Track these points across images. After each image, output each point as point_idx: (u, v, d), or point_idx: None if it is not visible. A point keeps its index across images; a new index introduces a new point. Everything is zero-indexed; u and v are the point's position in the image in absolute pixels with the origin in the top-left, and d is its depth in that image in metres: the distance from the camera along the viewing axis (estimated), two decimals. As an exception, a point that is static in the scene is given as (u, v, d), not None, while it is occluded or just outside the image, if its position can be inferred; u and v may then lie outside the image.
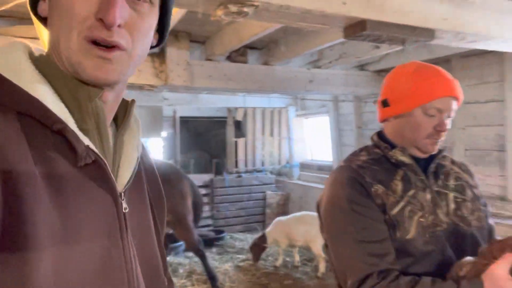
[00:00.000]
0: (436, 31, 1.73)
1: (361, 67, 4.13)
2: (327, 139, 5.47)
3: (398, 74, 1.15)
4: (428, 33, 1.73)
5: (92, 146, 0.55)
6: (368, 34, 1.60)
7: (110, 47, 0.54)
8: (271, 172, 6.32)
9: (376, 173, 1.10)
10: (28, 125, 0.51)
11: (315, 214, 4.49)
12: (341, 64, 3.72)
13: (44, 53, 0.59)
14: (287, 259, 4.51)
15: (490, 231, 1.16)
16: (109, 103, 0.61)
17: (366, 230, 1.03)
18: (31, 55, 0.57)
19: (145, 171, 0.73)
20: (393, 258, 1.01)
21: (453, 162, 1.22)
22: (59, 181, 0.52)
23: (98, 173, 0.56)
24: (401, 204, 1.07)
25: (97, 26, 0.53)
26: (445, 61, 3.49)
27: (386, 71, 4.00)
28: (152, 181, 0.76)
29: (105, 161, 0.57)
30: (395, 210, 1.06)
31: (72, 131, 0.53)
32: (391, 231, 1.04)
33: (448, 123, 1.09)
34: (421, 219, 1.07)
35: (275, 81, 3.58)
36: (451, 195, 1.13)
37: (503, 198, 3.43)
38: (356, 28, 1.59)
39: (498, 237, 1.12)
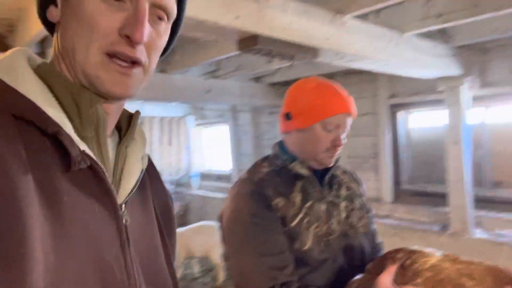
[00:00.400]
0: (320, 50, 1.90)
1: (257, 79, 4.31)
2: (226, 149, 5.56)
3: (300, 89, 1.19)
4: (313, 51, 1.90)
5: (88, 151, 0.52)
6: (260, 49, 1.68)
7: (130, 62, 0.55)
8: (170, 183, 6.16)
9: (277, 186, 1.12)
10: (24, 129, 0.48)
11: (212, 223, 4.47)
12: (237, 75, 3.83)
13: (47, 61, 0.58)
14: (186, 271, 4.43)
15: (373, 235, 1.26)
16: (112, 114, 0.60)
17: (267, 244, 1.05)
18: (31, 61, 0.55)
19: (151, 184, 0.70)
20: (292, 270, 1.04)
21: (344, 172, 1.29)
22: (53, 188, 0.49)
23: (95, 180, 0.54)
24: (300, 216, 1.10)
25: (121, 42, 0.53)
26: (329, 77, 3.84)
27: (280, 84, 4.25)
28: (159, 195, 0.72)
29: (103, 168, 0.54)
30: (294, 222, 1.09)
31: (67, 135, 0.50)
32: (290, 242, 1.07)
33: (344, 138, 1.16)
34: (317, 229, 1.11)
35: (172, 89, 3.52)
36: (343, 204, 1.20)
37: (378, 199, 3.90)
38: (249, 42, 1.66)
39: (379, 240, 1.27)
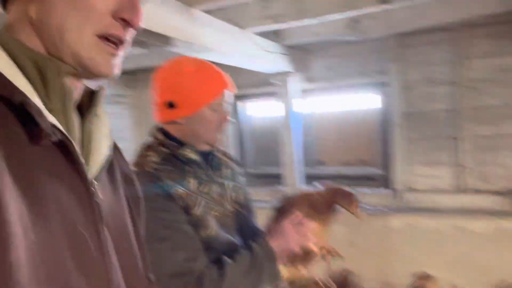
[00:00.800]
0: (171, 39, 1.95)
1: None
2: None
3: (179, 75, 1.15)
4: (164, 39, 1.93)
5: (58, 124, 0.50)
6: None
7: (119, 44, 0.55)
8: None
9: (171, 174, 1.09)
10: None
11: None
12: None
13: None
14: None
15: (253, 210, 1.35)
16: (77, 89, 0.58)
17: (178, 237, 1.03)
18: None
19: (120, 168, 0.67)
20: (204, 258, 1.05)
21: (224, 153, 1.32)
22: (24, 163, 0.46)
23: (65, 156, 0.52)
24: (199, 201, 1.10)
25: (115, 24, 0.53)
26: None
27: (132, 71, 4.06)
28: (126, 175, 0.68)
29: (73, 143, 0.52)
30: (196, 208, 1.09)
31: (35, 105, 0.47)
32: (195, 230, 1.07)
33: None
34: (215, 213, 1.14)
35: None
36: (229, 184, 1.24)
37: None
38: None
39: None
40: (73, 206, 0.53)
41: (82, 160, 0.54)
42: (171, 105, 1.14)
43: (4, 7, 0.56)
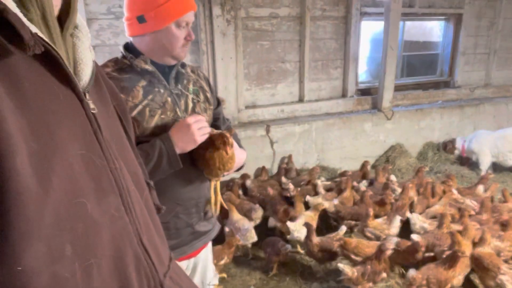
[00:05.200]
0: None
1: None
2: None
3: None
4: None
5: (40, 34, 0.47)
6: None
7: None
8: None
9: (119, 82, 1.20)
10: None
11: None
12: None
13: None
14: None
15: (218, 124, 1.49)
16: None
17: None
18: None
19: (103, 80, 0.65)
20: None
21: (192, 70, 1.45)
22: (13, 76, 0.44)
23: (53, 67, 0.49)
24: (140, 107, 1.23)
25: None
26: None
27: None
28: (113, 90, 0.68)
29: (58, 53, 0.49)
30: (134, 112, 1.21)
31: (15, 14, 0.44)
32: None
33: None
34: (162, 116, 1.27)
35: None
36: (190, 96, 1.37)
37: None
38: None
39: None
40: (70, 118, 0.52)
41: (71, 72, 0.53)
42: (141, 20, 1.22)
43: None
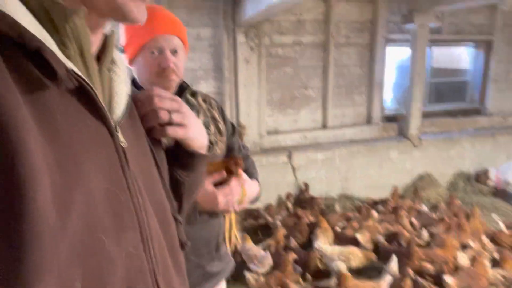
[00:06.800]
0: None
1: None
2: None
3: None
4: None
5: (76, 69, 0.49)
6: None
7: None
8: None
9: None
10: (5, 48, 0.43)
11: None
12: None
13: None
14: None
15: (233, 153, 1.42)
16: (96, 31, 0.57)
17: None
18: None
19: (138, 112, 0.66)
20: None
21: (204, 99, 1.37)
22: (45, 109, 0.46)
23: (86, 101, 0.51)
24: None
25: None
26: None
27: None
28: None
29: (93, 87, 0.51)
30: None
31: (51, 51, 0.46)
32: None
33: (177, 59, 1.20)
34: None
35: None
36: None
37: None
38: None
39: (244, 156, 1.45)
40: (98, 151, 0.52)
41: (104, 106, 0.54)
42: (122, 51, 1.23)
43: None
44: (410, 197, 4.17)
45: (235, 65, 4.09)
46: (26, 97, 0.44)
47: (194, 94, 1.33)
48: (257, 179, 1.42)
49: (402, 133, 5.03)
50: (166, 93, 0.74)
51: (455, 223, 3.43)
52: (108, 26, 0.61)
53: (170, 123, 0.73)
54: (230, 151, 1.43)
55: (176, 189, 0.79)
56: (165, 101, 0.72)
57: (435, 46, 5.37)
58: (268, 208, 3.99)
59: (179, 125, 0.73)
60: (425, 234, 3.36)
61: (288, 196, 4.21)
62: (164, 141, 0.76)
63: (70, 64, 0.49)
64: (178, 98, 0.76)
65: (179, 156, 0.79)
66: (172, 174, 0.78)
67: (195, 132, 0.76)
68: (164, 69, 1.18)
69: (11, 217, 0.40)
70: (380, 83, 4.92)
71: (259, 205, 3.99)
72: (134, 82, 1.27)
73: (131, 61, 1.24)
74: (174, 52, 1.20)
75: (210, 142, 1.34)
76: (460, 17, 5.20)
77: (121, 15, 0.55)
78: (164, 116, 0.71)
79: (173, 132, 0.73)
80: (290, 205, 4.12)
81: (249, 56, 4.08)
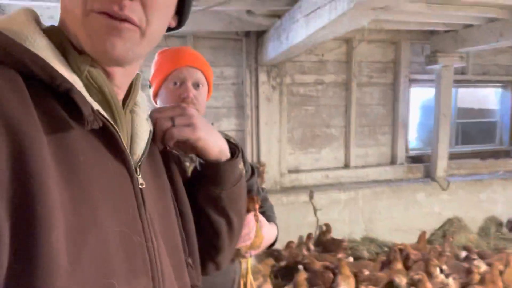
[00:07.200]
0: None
1: None
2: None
3: (154, 61, 1.30)
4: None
5: (102, 111, 0.51)
6: None
7: (120, 20, 0.49)
8: None
9: None
10: (33, 87, 0.45)
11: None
12: None
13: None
14: None
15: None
16: (118, 79, 0.57)
17: None
18: (38, 22, 0.52)
19: (159, 149, 0.66)
20: None
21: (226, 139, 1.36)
22: (69, 148, 0.47)
23: (109, 143, 0.52)
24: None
25: None
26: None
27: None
28: (167, 157, 0.69)
29: (117, 129, 0.52)
30: None
31: (80, 93, 0.48)
32: None
33: (198, 92, 1.22)
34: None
35: None
36: None
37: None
38: None
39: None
40: (117, 192, 0.52)
41: (126, 149, 0.55)
42: (150, 86, 1.29)
43: None
44: (439, 243, 3.94)
45: (257, 103, 4.13)
46: (50, 136, 0.45)
47: None
48: (275, 223, 1.36)
49: (429, 175, 4.86)
50: (168, 106, 0.71)
51: (488, 273, 3.20)
52: (133, 74, 0.61)
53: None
54: (248, 192, 1.39)
55: (216, 205, 0.73)
56: (165, 111, 0.68)
57: (461, 87, 5.29)
58: (288, 248, 3.85)
59: (186, 126, 0.67)
60: (454, 283, 3.14)
61: (309, 236, 4.06)
62: (191, 164, 0.72)
63: (96, 105, 0.50)
64: (183, 104, 0.73)
65: (205, 172, 0.73)
66: (207, 194, 0.73)
67: (208, 134, 0.69)
68: (184, 99, 1.19)
69: (24, 259, 0.40)
70: (404, 123, 4.83)
71: (279, 245, 3.86)
72: None
73: (155, 96, 1.27)
74: (196, 85, 1.22)
75: None
76: (485, 58, 5.13)
77: (86, 47, 0.51)
78: (166, 122, 0.66)
79: (180, 132, 0.66)
80: (311, 246, 3.96)
81: (270, 94, 4.12)
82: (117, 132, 0.53)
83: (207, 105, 1.33)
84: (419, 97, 5.50)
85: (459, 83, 5.10)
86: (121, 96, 0.60)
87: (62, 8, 0.53)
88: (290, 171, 4.48)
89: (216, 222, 0.75)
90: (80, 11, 0.49)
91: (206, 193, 0.73)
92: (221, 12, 3.36)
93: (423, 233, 4.07)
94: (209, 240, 0.76)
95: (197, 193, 0.74)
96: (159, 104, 1.27)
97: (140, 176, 0.57)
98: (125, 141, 0.56)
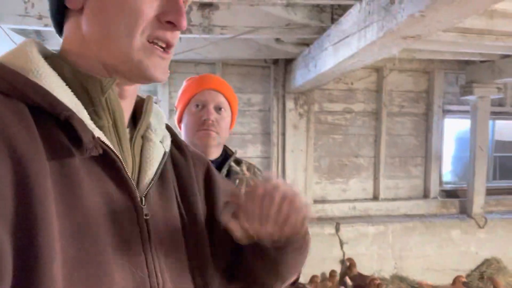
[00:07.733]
0: None
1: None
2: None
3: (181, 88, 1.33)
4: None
5: (103, 138, 0.51)
6: None
7: (166, 47, 0.56)
8: None
9: None
10: (39, 116, 0.47)
11: None
12: None
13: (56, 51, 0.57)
14: None
15: None
16: (128, 98, 0.59)
17: None
18: (42, 51, 0.54)
19: (175, 169, 0.65)
20: None
21: (248, 168, 1.32)
22: (71, 178, 0.47)
23: (112, 170, 0.52)
24: None
25: (161, 27, 0.54)
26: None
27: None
28: (180, 176, 0.65)
29: (119, 156, 0.52)
30: None
31: (80, 120, 0.49)
32: None
33: (220, 116, 1.21)
34: None
35: None
36: None
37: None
38: None
39: None
40: (118, 223, 0.51)
41: (129, 177, 0.54)
42: (174, 112, 1.32)
43: (60, 31, 0.61)
44: (475, 285, 3.64)
45: (284, 130, 4.08)
46: (53, 164, 0.46)
47: (238, 162, 1.31)
48: None
49: (465, 211, 4.57)
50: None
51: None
52: (134, 92, 0.61)
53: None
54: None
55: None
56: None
57: (499, 119, 5.04)
58: (313, 284, 3.66)
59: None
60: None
61: (332, 274, 3.82)
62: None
63: (97, 132, 0.50)
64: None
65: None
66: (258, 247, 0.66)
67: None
68: (204, 122, 1.18)
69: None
70: (438, 154, 4.62)
71: (302, 279, 3.69)
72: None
73: (179, 121, 1.28)
74: (218, 109, 1.21)
75: None
76: (525, 90, 4.90)
77: (138, 74, 0.55)
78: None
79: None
80: (349, 281, 3.73)
81: (297, 122, 4.06)
82: (119, 159, 0.52)
83: (233, 131, 1.33)
84: (453, 128, 5.27)
85: (496, 115, 4.86)
86: (127, 116, 0.60)
87: (99, 30, 0.54)
88: (316, 201, 4.34)
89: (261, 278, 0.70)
90: (135, 38, 0.53)
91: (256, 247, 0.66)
92: (250, 40, 3.39)
93: (458, 278, 3.77)
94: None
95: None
96: (183, 128, 1.27)
97: (145, 206, 0.55)
98: (130, 168, 0.56)
